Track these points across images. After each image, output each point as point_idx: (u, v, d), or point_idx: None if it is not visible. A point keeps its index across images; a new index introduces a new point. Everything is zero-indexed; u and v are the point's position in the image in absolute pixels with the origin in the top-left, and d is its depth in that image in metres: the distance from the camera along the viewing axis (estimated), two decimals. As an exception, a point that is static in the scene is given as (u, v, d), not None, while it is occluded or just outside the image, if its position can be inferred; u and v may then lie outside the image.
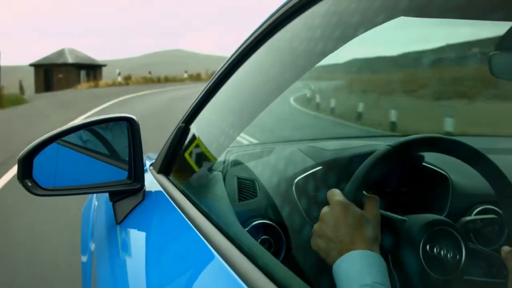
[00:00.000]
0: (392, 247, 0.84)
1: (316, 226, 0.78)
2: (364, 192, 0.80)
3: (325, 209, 0.78)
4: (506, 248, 0.77)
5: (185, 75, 37.03)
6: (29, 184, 0.98)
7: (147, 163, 1.38)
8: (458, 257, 0.82)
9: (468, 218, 1.00)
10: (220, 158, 1.18)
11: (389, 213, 0.86)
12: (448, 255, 0.81)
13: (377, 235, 0.75)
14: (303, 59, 0.93)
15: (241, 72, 1.02)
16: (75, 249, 1.85)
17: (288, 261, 0.98)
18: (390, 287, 0.66)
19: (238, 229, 0.84)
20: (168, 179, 1.17)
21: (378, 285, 0.64)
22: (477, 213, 1.06)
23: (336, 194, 0.79)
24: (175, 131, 1.19)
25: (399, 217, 0.86)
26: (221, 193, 1.02)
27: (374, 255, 0.70)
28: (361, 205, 0.79)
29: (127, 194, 1.09)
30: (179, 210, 0.93)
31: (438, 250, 0.81)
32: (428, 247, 0.81)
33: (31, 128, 9.25)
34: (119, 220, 1.08)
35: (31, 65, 38.62)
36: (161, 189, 1.11)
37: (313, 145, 1.26)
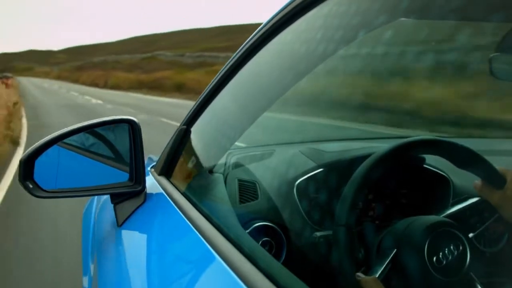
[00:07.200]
0: (396, 253, 0.83)
1: None
2: (359, 274, 0.75)
3: None
4: (477, 183, 0.84)
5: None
6: (30, 186, 0.98)
7: (149, 165, 1.38)
8: (463, 257, 0.82)
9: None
10: (221, 160, 1.18)
11: (383, 267, 0.82)
12: (453, 256, 0.81)
13: None
14: (305, 61, 0.93)
15: (242, 74, 1.02)
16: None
17: (289, 263, 0.98)
18: None
19: (239, 231, 0.84)
20: (169, 181, 1.17)
21: None
22: None
23: None
24: (176, 133, 1.19)
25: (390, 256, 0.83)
26: (222, 195, 1.02)
27: None
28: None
29: (128, 196, 1.09)
30: (180, 212, 0.93)
31: (443, 252, 0.81)
32: (432, 249, 0.81)
33: None
34: (120, 222, 1.08)
35: None
36: (162, 191, 1.11)
37: (314, 147, 1.26)
